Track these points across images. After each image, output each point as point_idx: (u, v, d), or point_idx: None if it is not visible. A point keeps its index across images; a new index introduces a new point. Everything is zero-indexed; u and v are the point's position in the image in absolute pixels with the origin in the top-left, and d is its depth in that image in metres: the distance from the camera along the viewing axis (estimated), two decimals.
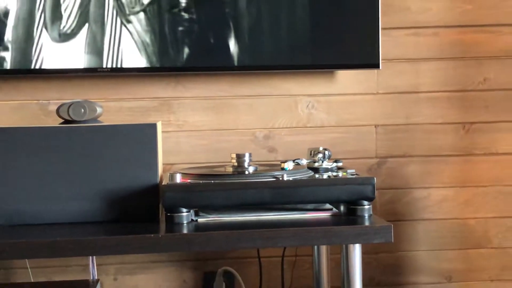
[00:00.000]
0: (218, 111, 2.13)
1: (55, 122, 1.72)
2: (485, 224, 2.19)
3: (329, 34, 2.06)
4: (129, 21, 2.00)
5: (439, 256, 2.19)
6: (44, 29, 1.98)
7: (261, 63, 2.05)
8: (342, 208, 1.63)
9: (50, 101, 2.04)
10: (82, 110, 1.69)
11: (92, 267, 1.98)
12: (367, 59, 2.04)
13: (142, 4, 2.01)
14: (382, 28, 2.03)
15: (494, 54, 2.16)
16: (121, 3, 2.01)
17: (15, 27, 1.98)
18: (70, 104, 1.67)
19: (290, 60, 2.06)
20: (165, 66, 2.03)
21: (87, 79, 2.07)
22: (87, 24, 1.99)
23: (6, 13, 1.98)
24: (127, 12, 2.01)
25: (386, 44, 2.07)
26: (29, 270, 2.03)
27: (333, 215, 1.60)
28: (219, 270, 2.07)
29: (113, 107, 2.07)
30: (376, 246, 2.13)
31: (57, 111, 1.68)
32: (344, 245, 1.55)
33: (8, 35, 1.97)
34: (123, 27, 2.00)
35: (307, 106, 2.14)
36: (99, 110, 1.72)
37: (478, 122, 2.18)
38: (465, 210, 2.19)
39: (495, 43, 2.16)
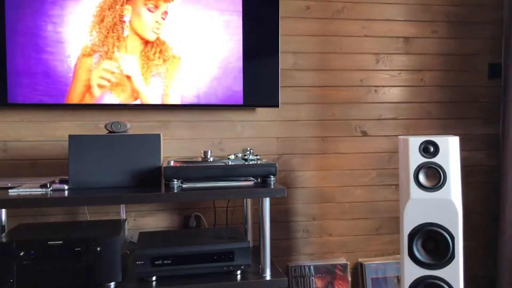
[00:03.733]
0: (193, 129, 2.22)
1: (104, 132, 1.82)
2: (332, 190, 2.36)
3: (254, 90, 2.16)
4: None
5: (308, 206, 2.34)
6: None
7: (216, 103, 2.13)
8: (259, 179, 1.80)
9: (100, 121, 2.14)
10: (119, 126, 1.79)
11: (122, 212, 2.08)
12: (273, 102, 2.18)
13: None
14: (281, 87, 2.22)
15: (337, 101, 2.35)
16: None
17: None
18: (112, 123, 1.79)
19: (233, 102, 2.15)
20: (164, 104, 2.09)
21: (121, 111, 2.16)
22: None
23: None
24: None
25: (283, 95, 2.25)
26: (87, 213, 2.12)
27: (255, 183, 1.77)
28: (192, 214, 2.20)
29: (136, 125, 2.17)
30: (277, 200, 2.25)
31: (105, 126, 1.80)
32: (260, 199, 1.71)
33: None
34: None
35: (241, 126, 2.27)
36: (128, 126, 1.83)
37: (329, 136, 2.35)
38: (322, 182, 2.35)
39: (338, 95, 2.35)
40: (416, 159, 1.87)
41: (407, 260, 1.87)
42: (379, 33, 2.39)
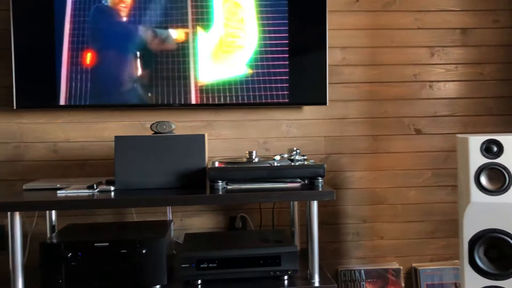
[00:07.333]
0: (237, 128, 2.20)
1: (149, 133, 1.82)
2: (384, 191, 2.28)
3: (300, 87, 2.11)
4: None
5: (359, 208, 2.27)
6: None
7: (261, 101, 2.10)
8: (306, 181, 1.74)
9: (146, 122, 2.14)
10: (164, 126, 1.80)
11: (169, 213, 2.08)
12: (320, 100, 2.12)
13: None
14: (329, 83, 2.13)
15: (389, 98, 2.26)
16: None
17: None
18: (157, 123, 1.80)
19: (278, 100, 2.11)
20: (209, 103, 2.09)
21: (166, 110, 2.16)
22: None
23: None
24: None
25: (330, 92, 2.16)
26: (134, 213, 2.13)
27: (302, 185, 1.71)
28: (238, 215, 2.19)
29: (181, 125, 2.15)
30: (325, 202, 2.14)
31: (150, 127, 1.81)
32: (308, 201, 1.66)
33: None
34: None
35: (287, 125, 2.23)
36: (173, 126, 1.82)
37: (381, 134, 2.27)
38: (373, 183, 2.27)
39: (390, 91, 2.27)
40: (477, 159, 1.73)
41: (468, 269, 1.74)
42: (433, 24, 2.27)
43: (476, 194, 1.73)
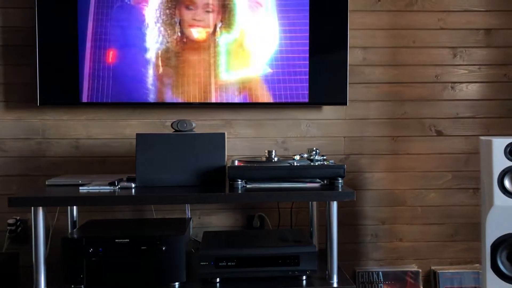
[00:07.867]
0: (257, 127, 2.21)
1: (170, 131, 1.83)
2: (403, 192, 2.26)
3: (320, 87, 2.10)
4: None
5: (378, 210, 2.26)
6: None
7: (281, 100, 2.10)
8: (326, 181, 1.74)
9: (167, 120, 2.16)
10: (185, 125, 1.81)
11: (187, 210, 2.10)
12: (341, 100, 2.11)
13: None
14: (349, 83, 2.12)
15: (409, 98, 2.24)
16: None
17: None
18: (178, 121, 1.81)
19: (298, 100, 2.11)
20: (229, 102, 2.10)
21: (186, 109, 2.17)
22: None
23: None
24: None
25: (351, 92, 2.15)
26: (153, 210, 2.15)
27: (321, 185, 1.71)
28: (256, 214, 2.19)
29: (201, 124, 2.16)
30: (344, 203, 2.08)
31: (171, 125, 1.82)
32: (327, 202, 1.65)
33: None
34: None
35: (306, 125, 2.22)
36: (194, 124, 1.83)
37: (401, 136, 2.25)
38: (393, 184, 2.25)
39: (410, 92, 2.24)
40: (500, 162, 1.71)
41: (490, 274, 1.71)
42: (456, 25, 2.24)
43: (499, 198, 1.71)
